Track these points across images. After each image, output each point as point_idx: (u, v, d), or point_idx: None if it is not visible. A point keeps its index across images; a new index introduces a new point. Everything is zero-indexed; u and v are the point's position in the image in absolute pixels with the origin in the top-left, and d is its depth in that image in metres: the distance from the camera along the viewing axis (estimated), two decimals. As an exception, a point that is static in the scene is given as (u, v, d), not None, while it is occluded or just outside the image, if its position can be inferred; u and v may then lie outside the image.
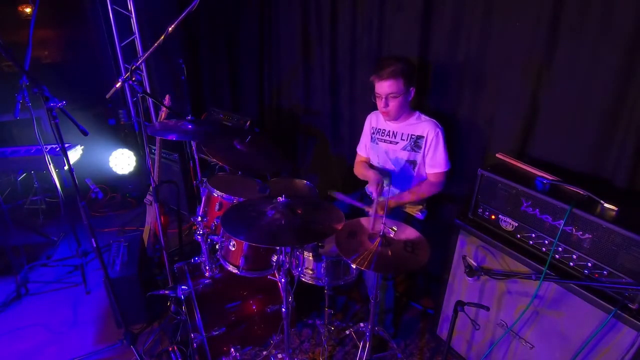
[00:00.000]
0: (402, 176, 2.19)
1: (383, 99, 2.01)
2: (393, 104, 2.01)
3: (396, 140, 2.15)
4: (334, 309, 2.51)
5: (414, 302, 2.58)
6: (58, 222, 3.53)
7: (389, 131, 2.17)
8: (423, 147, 2.07)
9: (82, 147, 3.19)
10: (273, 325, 2.17)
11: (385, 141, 2.20)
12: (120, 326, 2.36)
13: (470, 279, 1.72)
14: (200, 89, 4.18)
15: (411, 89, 2.01)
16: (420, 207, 2.23)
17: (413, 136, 2.08)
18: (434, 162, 2.07)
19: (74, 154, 3.07)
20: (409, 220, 2.19)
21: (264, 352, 2.12)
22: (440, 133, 2.03)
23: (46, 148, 2.39)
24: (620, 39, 1.50)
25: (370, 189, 2.05)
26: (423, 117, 2.10)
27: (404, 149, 2.12)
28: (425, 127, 2.06)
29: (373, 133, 2.26)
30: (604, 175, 1.66)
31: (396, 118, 2.11)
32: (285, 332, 1.83)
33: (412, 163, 2.13)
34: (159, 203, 2.10)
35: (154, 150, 2.52)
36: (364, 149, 2.36)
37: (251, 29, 3.50)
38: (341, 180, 3.08)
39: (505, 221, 1.72)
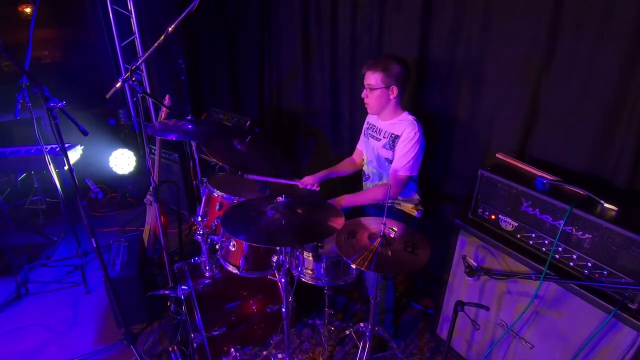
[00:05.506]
0: (382, 175, 2.20)
1: (364, 90, 2.06)
2: (371, 96, 2.04)
3: (379, 137, 2.16)
4: (334, 309, 2.52)
5: (414, 302, 2.58)
6: (58, 222, 3.53)
7: (377, 127, 2.19)
8: (395, 146, 2.06)
9: (82, 147, 3.19)
10: (273, 325, 2.17)
11: (373, 137, 2.21)
12: (120, 326, 2.36)
13: (470, 279, 1.72)
14: (200, 89, 4.18)
15: (393, 87, 1.99)
16: (417, 206, 2.23)
17: (392, 135, 2.07)
18: (397, 161, 2.03)
19: (74, 154, 3.07)
20: (407, 219, 2.19)
21: (264, 352, 2.12)
22: (417, 134, 1.99)
23: (46, 148, 2.38)
24: (621, 39, 1.49)
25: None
26: (411, 118, 2.05)
27: (384, 146, 2.12)
28: (403, 126, 2.03)
29: (367, 128, 2.28)
30: (604, 175, 1.66)
31: (376, 112, 2.13)
32: (285, 332, 1.83)
33: (390, 162, 2.11)
34: (159, 203, 2.10)
35: (154, 150, 2.51)
36: (359, 143, 2.42)
37: (251, 29, 3.50)
38: (341, 180, 3.08)
39: (505, 221, 1.72)
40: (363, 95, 2.08)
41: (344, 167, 2.43)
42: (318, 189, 2.22)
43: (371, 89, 2.02)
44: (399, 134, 2.04)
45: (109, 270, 2.28)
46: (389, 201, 2.18)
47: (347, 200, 2.08)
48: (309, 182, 2.19)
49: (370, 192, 2.15)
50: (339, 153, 3.05)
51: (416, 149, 2.00)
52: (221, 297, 2.11)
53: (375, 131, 2.19)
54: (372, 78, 1.99)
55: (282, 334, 2.08)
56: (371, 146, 2.23)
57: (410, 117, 2.05)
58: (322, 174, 2.28)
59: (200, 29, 3.90)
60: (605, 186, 1.64)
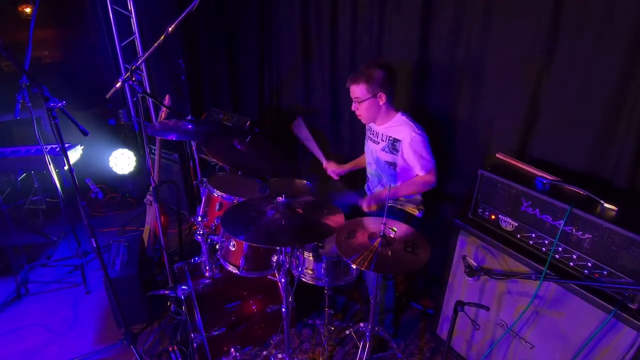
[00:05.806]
0: (381, 176, 2.21)
1: (353, 103, 2.06)
2: (361, 108, 2.04)
3: (378, 140, 2.16)
4: (334, 309, 2.51)
5: (414, 302, 2.58)
6: (58, 222, 3.53)
7: (375, 131, 2.19)
8: (400, 150, 2.06)
9: (82, 147, 3.19)
10: (273, 325, 2.17)
11: (372, 140, 2.21)
12: (120, 326, 2.36)
13: (470, 279, 1.72)
14: (200, 89, 4.18)
15: (380, 94, 1.98)
16: (419, 206, 2.23)
17: (391, 138, 2.08)
18: (419, 165, 2.03)
19: (74, 154, 3.07)
20: (409, 219, 2.19)
21: (264, 352, 2.12)
22: (417, 137, 1.99)
23: (46, 148, 2.38)
24: (621, 39, 1.50)
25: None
26: (404, 119, 2.05)
27: (383, 149, 2.12)
28: (402, 131, 2.03)
29: (367, 131, 2.28)
30: (604, 175, 1.66)
31: (369, 121, 2.15)
32: (285, 332, 1.83)
33: (391, 165, 2.12)
34: (159, 203, 2.10)
35: (154, 150, 2.51)
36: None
37: (251, 29, 3.50)
38: (340, 180, 3.08)
39: (505, 221, 1.72)
40: (353, 108, 2.08)
41: (364, 160, 2.42)
42: (337, 179, 2.32)
43: (359, 102, 2.02)
44: (399, 138, 2.04)
45: (109, 270, 2.28)
46: (390, 201, 2.18)
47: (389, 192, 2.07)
48: (332, 168, 2.30)
49: (411, 184, 2.11)
50: (339, 153, 3.05)
51: (425, 145, 2.01)
52: (221, 297, 2.11)
53: (374, 134, 2.19)
54: (358, 90, 1.99)
55: (282, 334, 2.08)
56: (370, 149, 2.23)
57: (404, 118, 2.06)
58: (347, 167, 2.40)
59: (200, 29, 3.90)
60: (605, 186, 1.64)
